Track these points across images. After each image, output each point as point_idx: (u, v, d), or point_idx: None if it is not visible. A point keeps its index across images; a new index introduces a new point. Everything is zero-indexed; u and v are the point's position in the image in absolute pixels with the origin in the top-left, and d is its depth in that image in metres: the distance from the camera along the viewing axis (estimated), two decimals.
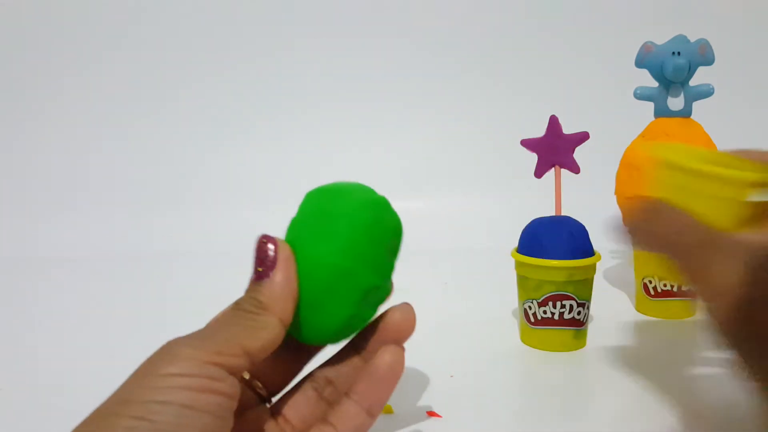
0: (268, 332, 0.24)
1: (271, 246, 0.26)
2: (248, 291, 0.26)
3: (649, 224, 0.27)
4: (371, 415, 0.27)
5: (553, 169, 0.43)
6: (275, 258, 0.26)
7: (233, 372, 0.23)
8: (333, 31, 0.96)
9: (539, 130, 0.43)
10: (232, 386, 0.23)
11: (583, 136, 0.41)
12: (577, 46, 0.95)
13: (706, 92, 0.44)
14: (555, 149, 0.42)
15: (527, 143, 0.43)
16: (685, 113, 0.44)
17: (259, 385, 0.28)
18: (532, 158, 0.44)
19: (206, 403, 0.21)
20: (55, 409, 0.38)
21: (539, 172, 0.44)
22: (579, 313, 0.42)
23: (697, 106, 0.45)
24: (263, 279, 0.25)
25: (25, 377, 0.43)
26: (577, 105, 0.77)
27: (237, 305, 0.26)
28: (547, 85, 0.94)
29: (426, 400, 0.37)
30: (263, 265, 0.26)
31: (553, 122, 0.42)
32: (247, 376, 0.28)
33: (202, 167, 0.97)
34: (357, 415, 0.26)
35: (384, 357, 0.26)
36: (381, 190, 0.29)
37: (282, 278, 0.25)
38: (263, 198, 0.91)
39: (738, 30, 0.92)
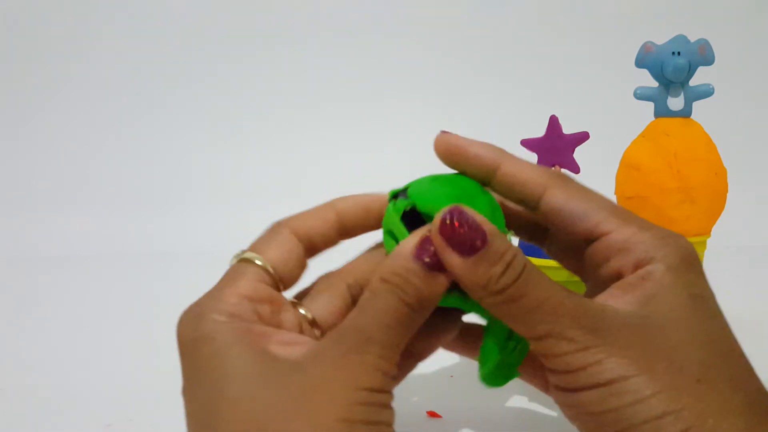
0: None
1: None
2: None
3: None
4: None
5: (553, 169, 0.43)
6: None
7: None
8: (333, 31, 0.97)
9: (539, 130, 0.43)
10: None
11: (583, 136, 0.41)
12: (577, 46, 0.95)
13: (706, 92, 0.44)
14: (555, 149, 0.42)
15: (527, 143, 0.43)
16: (685, 113, 0.44)
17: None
18: (532, 158, 0.44)
19: None
20: (55, 409, 0.38)
21: None
22: None
23: (697, 106, 0.45)
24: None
25: (25, 377, 0.43)
26: (577, 105, 0.77)
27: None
28: (547, 85, 0.94)
29: (426, 400, 0.37)
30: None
31: (553, 122, 0.42)
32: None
33: (202, 167, 0.97)
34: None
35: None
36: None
37: None
38: (263, 198, 0.91)
39: (738, 30, 0.92)
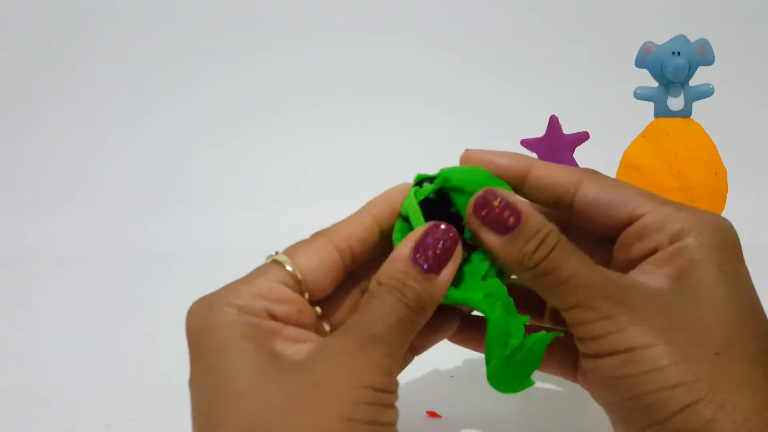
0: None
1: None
2: None
3: None
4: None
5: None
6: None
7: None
8: (333, 31, 0.97)
9: (539, 130, 0.43)
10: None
11: (583, 136, 0.42)
12: (577, 46, 0.95)
13: (706, 92, 0.44)
14: (555, 149, 0.42)
15: (527, 143, 0.43)
16: (685, 113, 0.44)
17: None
18: None
19: None
20: (55, 409, 0.38)
21: None
22: None
23: (697, 106, 0.45)
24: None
25: (25, 377, 0.43)
26: (577, 105, 0.77)
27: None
28: (547, 85, 0.94)
29: (426, 400, 0.37)
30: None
31: (553, 122, 0.42)
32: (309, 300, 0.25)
33: (201, 167, 0.97)
34: None
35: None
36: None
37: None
38: (263, 198, 0.91)
39: (738, 30, 0.92)
